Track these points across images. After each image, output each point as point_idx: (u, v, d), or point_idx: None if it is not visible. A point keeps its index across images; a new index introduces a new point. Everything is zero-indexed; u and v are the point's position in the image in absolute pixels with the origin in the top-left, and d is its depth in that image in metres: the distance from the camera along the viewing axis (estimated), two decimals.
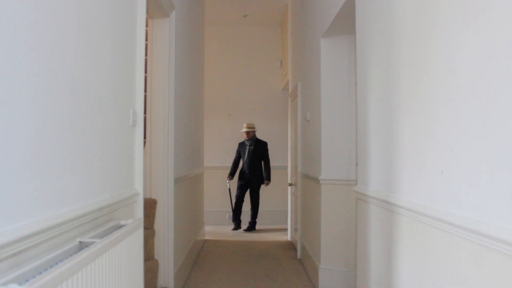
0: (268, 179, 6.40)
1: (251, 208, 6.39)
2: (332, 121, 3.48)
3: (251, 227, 6.35)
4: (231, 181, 6.55)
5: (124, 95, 1.99)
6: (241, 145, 6.51)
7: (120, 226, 1.75)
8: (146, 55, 2.49)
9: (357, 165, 2.84)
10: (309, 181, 4.06)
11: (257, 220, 6.42)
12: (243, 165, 6.41)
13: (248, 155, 6.34)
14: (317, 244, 3.62)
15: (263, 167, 6.39)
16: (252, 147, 6.35)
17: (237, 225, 6.36)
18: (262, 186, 6.42)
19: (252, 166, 6.31)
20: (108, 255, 1.42)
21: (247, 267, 4.31)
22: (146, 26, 2.67)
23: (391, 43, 1.90)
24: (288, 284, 3.74)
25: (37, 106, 1.19)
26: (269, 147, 6.46)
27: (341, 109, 3.48)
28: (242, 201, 6.43)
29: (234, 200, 6.45)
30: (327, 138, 3.48)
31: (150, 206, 3.01)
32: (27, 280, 1.03)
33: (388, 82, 1.93)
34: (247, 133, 6.37)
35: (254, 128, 6.41)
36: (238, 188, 6.44)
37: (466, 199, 1.24)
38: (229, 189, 6.51)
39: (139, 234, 1.88)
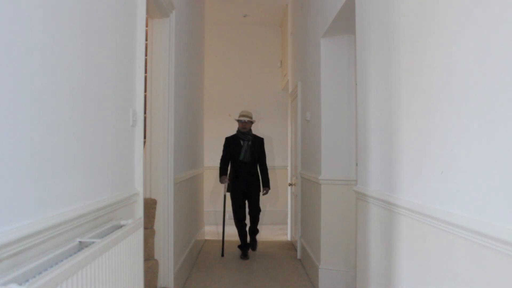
0: (268, 185, 4.89)
1: (251, 220, 4.87)
2: (332, 121, 3.48)
3: (253, 246, 4.92)
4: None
5: (124, 95, 1.99)
6: (232, 140, 4.83)
7: (120, 226, 1.75)
8: (146, 55, 2.49)
9: (357, 165, 2.84)
10: (309, 181, 4.06)
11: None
12: (235, 167, 4.79)
13: (245, 153, 4.73)
14: (317, 244, 3.62)
15: (259, 171, 4.89)
16: (250, 143, 4.77)
17: (246, 252, 4.75)
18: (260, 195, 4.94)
19: (252, 167, 4.78)
20: (108, 255, 1.42)
21: (247, 267, 4.31)
22: (146, 26, 2.67)
23: (391, 43, 1.90)
24: (288, 284, 3.74)
25: (37, 106, 1.19)
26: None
27: (341, 109, 3.48)
28: (245, 217, 4.82)
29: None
30: (327, 138, 3.49)
31: (150, 206, 3.01)
32: (27, 280, 1.03)
33: (388, 82, 1.93)
34: (245, 124, 4.77)
35: (252, 118, 4.87)
36: (235, 203, 4.76)
37: (466, 199, 1.24)
38: (225, 195, 4.97)
39: (139, 234, 1.87)
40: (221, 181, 4.78)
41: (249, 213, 4.84)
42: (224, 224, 4.92)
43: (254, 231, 4.89)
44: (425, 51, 1.54)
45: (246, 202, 4.84)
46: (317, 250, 3.65)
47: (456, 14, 1.31)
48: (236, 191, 4.74)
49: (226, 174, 4.80)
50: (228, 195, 4.92)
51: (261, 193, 4.87)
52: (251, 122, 4.81)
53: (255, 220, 4.86)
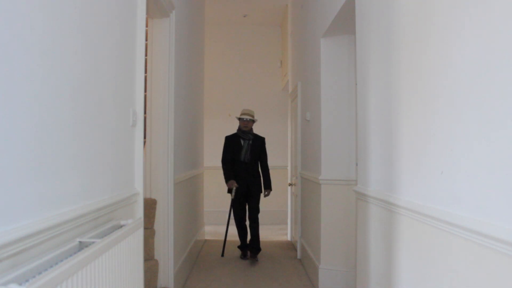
0: (269, 187, 4.75)
1: (250, 225, 4.64)
2: (332, 121, 3.48)
3: (255, 254, 4.56)
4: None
5: (124, 95, 1.99)
6: (233, 139, 4.67)
7: (120, 226, 1.75)
8: (146, 55, 2.49)
9: (357, 165, 2.84)
10: (309, 181, 4.06)
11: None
12: (236, 167, 4.64)
13: (246, 153, 4.58)
14: (317, 244, 3.62)
15: (260, 171, 4.75)
16: (250, 143, 4.62)
17: (246, 252, 4.70)
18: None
19: (253, 168, 4.64)
20: (108, 255, 1.42)
21: (247, 267, 4.31)
22: (146, 26, 2.67)
23: (391, 43, 1.90)
24: (288, 284, 3.74)
25: (37, 106, 1.19)
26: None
27: (341, 109, 3.48)
28: (245, 218, 4.74)
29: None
30: (327, 138, 3.49)
31: (150, 206, 3.01)
32: (27, 280, 1.03)
33: (388, 82, 1.93)
34: (247, 122, 4.62)
35: (254, 117, 4.71)
36: (235, 203, 4.65)
37: (466, 199, 1.24)
38: (233, 199, 4.66)
39: (139, 234, 1.87)
40: (229, 185, 4.61)
41: (249, 217, 4.65)
42: (228, 225, 4.88)
43: (255, 248, 4.56)
44: (425, 51, 1.54)
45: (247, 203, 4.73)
46: (317, 250, 3.65)
47: (456, 14, 1.31)
48: (236, 191, 4.63)
49: (233, 177, 4.60)
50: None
51: (262, 195, 4.72)
52: (253, 121, 4.65)
53: (255, 224, 4.60)
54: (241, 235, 4.75)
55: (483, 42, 1.16)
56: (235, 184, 4.58)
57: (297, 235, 4.74)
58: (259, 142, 4.69)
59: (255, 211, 4.66)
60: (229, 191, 4.64)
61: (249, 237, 4.73)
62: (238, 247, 4.79)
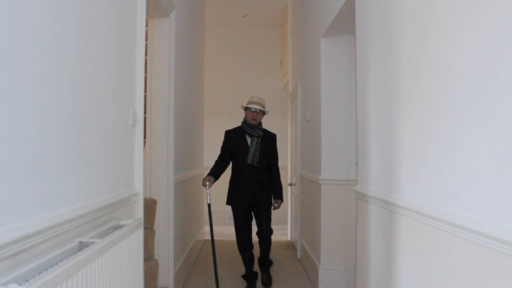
0: (280, 197, 3.56)
1: (261, 245, 3.56)
2: (332, 121, 3.48)
3: (268, 282, 3.60)
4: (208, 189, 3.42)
5: (124, 95, 1.99)
6: (236, 135, 3.56)
7: (120, 226, 1.75)
8: (146, 55, 2.49)
9: (357, 165, 2.84)
10: (309, 181, 4.06)
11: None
12: (239, 171, 3.51)
13: (254, 153, 3.43)
14: (317, 244, 3.62)
15: (269, 177, 3.59)
16: (259, 140, 3.48)
17: (253, 285, 3.58)
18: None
19: (261, 173, 3.49)
20: (108, 255, 1.42)
21: None
22: (146, 26, 2.67)
23: (391, 43, 1.90)
24: (288, 284, 3.74)
25: (37, 106, 1.19)
26: None
27: (341, 109, 3.48)
28: (251, 239, 3.57)
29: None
30: (327, 138, 3.49)
31: (150, 206, 3.01)
32: (27, 280, 1.03)
33: (388, 82, 1.93)
34: (256, 114, 3.49)
35: (265, 108, 3.59)
36: (238, 221, 3.50)
37: (466, 199, 1.24)
38: (209, 203, 3.38)
39: (139, 234, 1.87)
40: (203, 181, 3.41)
41: (258, 234, 3.54)
42: (212, 229, 3.41)
43: (266, 262, 3.65)
44: (425, 52, 1.54)
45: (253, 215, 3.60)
46: (317, 250, 3.65)
47: (456, 14, 1.31)
48: (239, 204, 3.48)
49: (216, 174, 3.50)
50: (212, 204, 3.53)
51: (272, 206, 3.58)
52: (263, 113, 3.55)
53: (266, 244, 3.55)
54: (245, 261, 3.59)
55: (483, 42, 1.16)
56: (208, 182, 3.38)
57: (297, 235, 4.74)
58: (270, 140, 3.59)
59: (266, 230, 3.50)
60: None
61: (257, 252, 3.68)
62: (243, 276, 3.67)
